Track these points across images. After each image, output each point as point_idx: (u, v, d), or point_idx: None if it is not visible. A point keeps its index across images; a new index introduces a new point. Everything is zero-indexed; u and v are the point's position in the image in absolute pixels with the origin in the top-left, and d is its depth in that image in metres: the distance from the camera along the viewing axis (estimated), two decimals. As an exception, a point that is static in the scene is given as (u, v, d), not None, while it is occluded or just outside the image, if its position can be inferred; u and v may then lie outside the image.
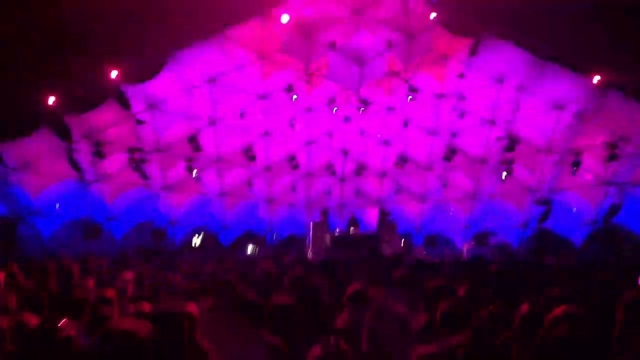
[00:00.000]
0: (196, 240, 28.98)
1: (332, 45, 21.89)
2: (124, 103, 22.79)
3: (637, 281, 11.87)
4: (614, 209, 22.92)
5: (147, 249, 24.07)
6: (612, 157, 21.76)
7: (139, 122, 23.46)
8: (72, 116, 21.99)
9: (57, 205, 24.28)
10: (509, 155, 24.17)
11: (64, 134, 22.37)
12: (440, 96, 24.92)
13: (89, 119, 22.41)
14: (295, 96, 23.89)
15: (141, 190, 25.31)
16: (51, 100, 20.24)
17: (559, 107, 22.10)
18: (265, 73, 23.99)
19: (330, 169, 27.31)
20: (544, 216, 24.73)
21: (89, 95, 22.07)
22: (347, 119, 26.58)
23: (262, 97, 24.76)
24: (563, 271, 14.08)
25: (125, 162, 23.83)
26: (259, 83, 24.35)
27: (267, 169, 26.92)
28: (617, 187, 22.47)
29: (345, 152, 27.51)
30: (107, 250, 22.42)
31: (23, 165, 21.95)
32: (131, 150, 23.80)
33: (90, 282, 8.23)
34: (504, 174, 24.76)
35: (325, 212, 27.97)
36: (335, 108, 25.03)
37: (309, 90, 25.12)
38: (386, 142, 27.15)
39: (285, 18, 22.55)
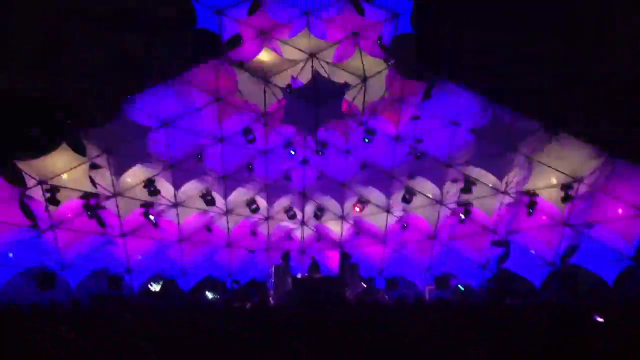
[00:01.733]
0: (155, 287, 28.33)
1: (288, 89, 22.04)
2: (79, 148, 22.52)
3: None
4: (571, 250, 23.07)
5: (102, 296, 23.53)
6: (566, 199, 21.98)
7: (94, 167, 23.15)
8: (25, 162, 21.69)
9: (11, 254, 23.54)
10: (466, 196, 24.32)
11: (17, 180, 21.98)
12: (397, 138, 25.15)
13: (42, 165, 22.02)
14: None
15: (97, 237, 24.70)
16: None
17: (511, 148, 22.34)
18: (222, 116, 24.03)
19: (289, 212, 27.14)
20: (503, 257, 24.76)
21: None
22: (304, 162, 26.60)
23: (220, 139, 24.73)
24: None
25: (80, 208, 23.39)
26: (216, 126, 24.37)
27: (227, 212, 26.66)
28: (572, 228, 22.61)
29: (304, 195, 27.42)
30: (61, 300, 21.83)
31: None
32: (86, 196, 23.40)
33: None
34: (462, 215, 24.82)
35: (286, 256, 27.67)
36: (293, 151, 25.04)
37: (266, 132, 25.14)
38: (344, 185, 27.13)
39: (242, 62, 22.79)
